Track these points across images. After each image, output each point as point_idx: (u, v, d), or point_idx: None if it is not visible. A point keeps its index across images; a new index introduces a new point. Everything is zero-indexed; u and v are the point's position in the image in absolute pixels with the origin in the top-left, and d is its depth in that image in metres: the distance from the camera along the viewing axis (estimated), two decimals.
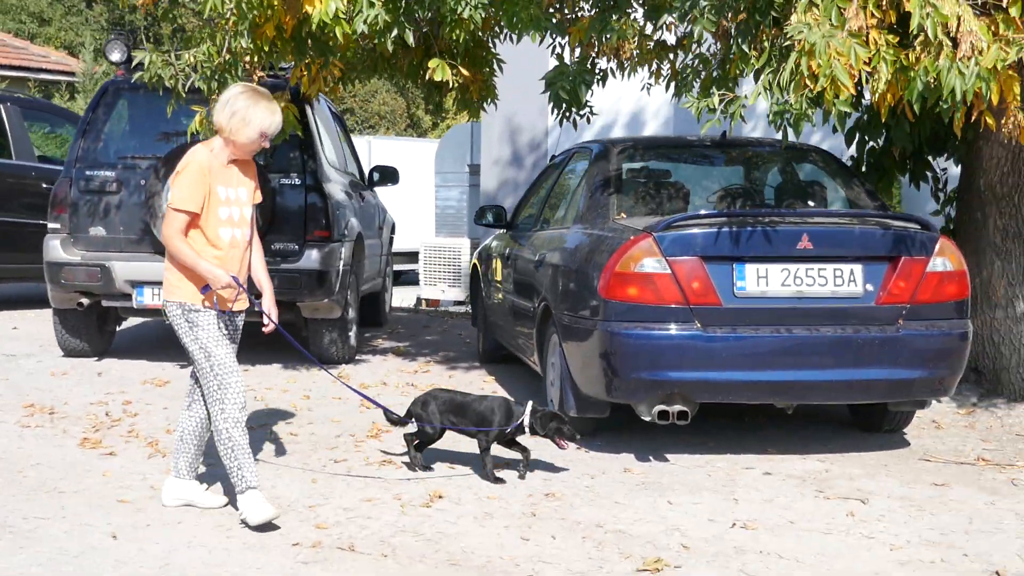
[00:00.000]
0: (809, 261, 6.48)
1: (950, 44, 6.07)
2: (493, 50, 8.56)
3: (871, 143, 8.66)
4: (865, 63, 5.77)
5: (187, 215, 5.23)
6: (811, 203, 7.50)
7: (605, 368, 6.49)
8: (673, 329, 6.35)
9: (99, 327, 9.36)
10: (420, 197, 18.82)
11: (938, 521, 5.63)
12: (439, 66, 7.36)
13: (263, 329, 5.61)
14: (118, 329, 9.97)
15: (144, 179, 8.69)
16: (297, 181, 8.82)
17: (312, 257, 8.78)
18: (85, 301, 8.81)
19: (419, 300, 16.08)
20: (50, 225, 8.95)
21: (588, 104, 7.66)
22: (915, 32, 5.90)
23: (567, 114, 7.53)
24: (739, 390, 6.49)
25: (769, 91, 5.88)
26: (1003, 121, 6.64)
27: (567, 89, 7.27)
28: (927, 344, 6.58)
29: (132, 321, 10.65)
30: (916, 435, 7.48)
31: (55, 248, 8.81)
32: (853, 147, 8.70)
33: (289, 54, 7.52)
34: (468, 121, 18.08)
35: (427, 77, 7.49)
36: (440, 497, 5.84)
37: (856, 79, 5.87)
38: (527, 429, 6.10)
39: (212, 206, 5.29)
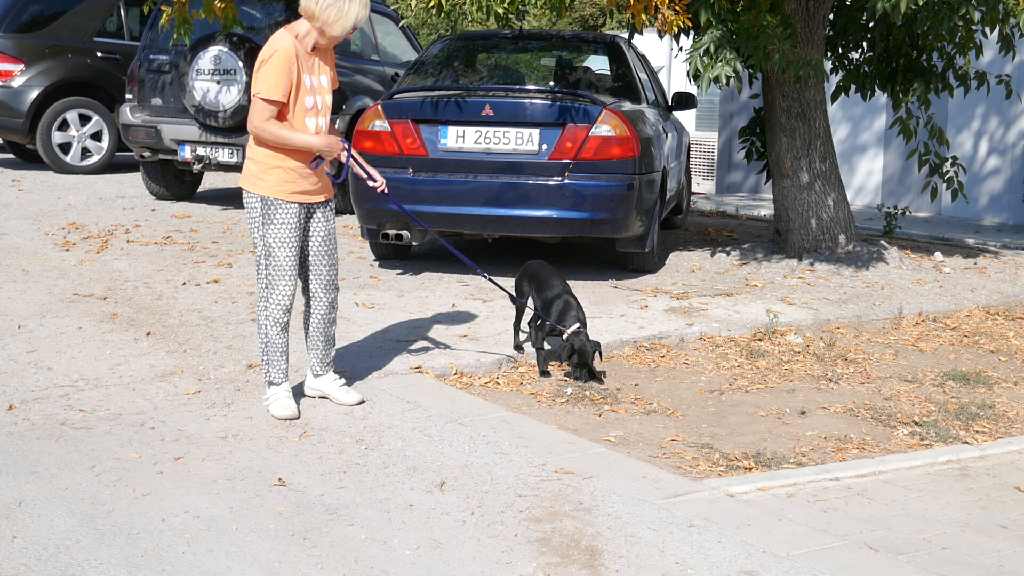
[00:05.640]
0: (495, 125, 8.50)
1: None
2: None
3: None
4: None
5: (274, 105, 5.14)
6: (553, 83, 9.39)
7: (353, 201, 8.87)
8: (390, 172, 8.57)
9: (176, 177, 12.52)
10: None
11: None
12: None
13: (377, 189, 5.73)
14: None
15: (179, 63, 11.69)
16: None
17: None
18: (147, 154, 11.99)
19: None
20: (126, 96, 12.20)
21: None
22: None
23: None
24: (441, 221, 8.62)
25: None
26: (656, 17, 8.26)
27: None
28: (587, 191, 8.42)
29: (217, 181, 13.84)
30: (663, 275, 9.24)
31: (125, 113, 12.03)
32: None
33: None
34: None
35: None
36: None
37: None
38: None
39: (299, 95, 5.22)
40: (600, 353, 6.38)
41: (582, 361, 6.28)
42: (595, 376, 6.37)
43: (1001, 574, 4.15)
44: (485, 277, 6.51)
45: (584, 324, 6.41)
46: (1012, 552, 4.37)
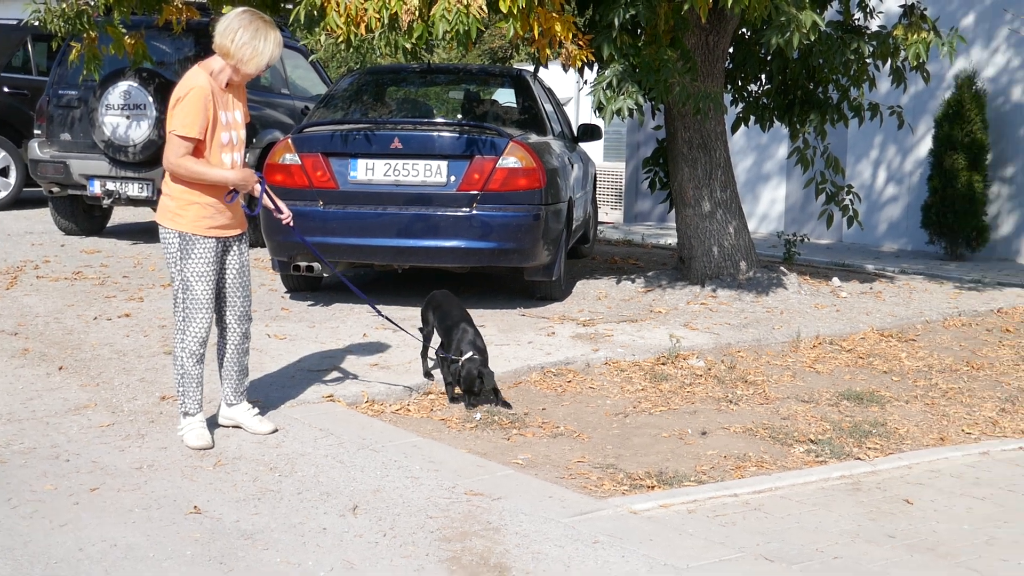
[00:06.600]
0: (404, 157, 8.66)
1: None
2: None
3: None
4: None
5: (190, 142, 5.23)
6: (459, 115, 9.61)
7: (264, 234, 8.97)
8: (300, 205, 8.67)
9: (86, 212, 12.50)
10: None
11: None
12: None
13: (283, 221, 5.87)
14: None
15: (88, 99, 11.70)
16: None
17: None
18: (56, 189, 11.98)
19: None
20: (35, 132, 12.19)
21: None
22: None
23: None
24: (351, 252, 8.75)
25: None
26: (560, 51, 8.48)
27: None
28: (494, 222, 8.60)
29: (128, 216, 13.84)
30: (570, 303, 9.44)
31: (34, 149, 12.02)
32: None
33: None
34: None
35: None
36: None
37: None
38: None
39: (215, 131, 5.31)
40: (484, 378, 6.43)
41: (468, 388, 6.41)
42: (489, 400, 6.49)
43: None
44: (376, 311, 6.73)
45: (481, 351, 6.55)
46: (898, 560, 4.60)
